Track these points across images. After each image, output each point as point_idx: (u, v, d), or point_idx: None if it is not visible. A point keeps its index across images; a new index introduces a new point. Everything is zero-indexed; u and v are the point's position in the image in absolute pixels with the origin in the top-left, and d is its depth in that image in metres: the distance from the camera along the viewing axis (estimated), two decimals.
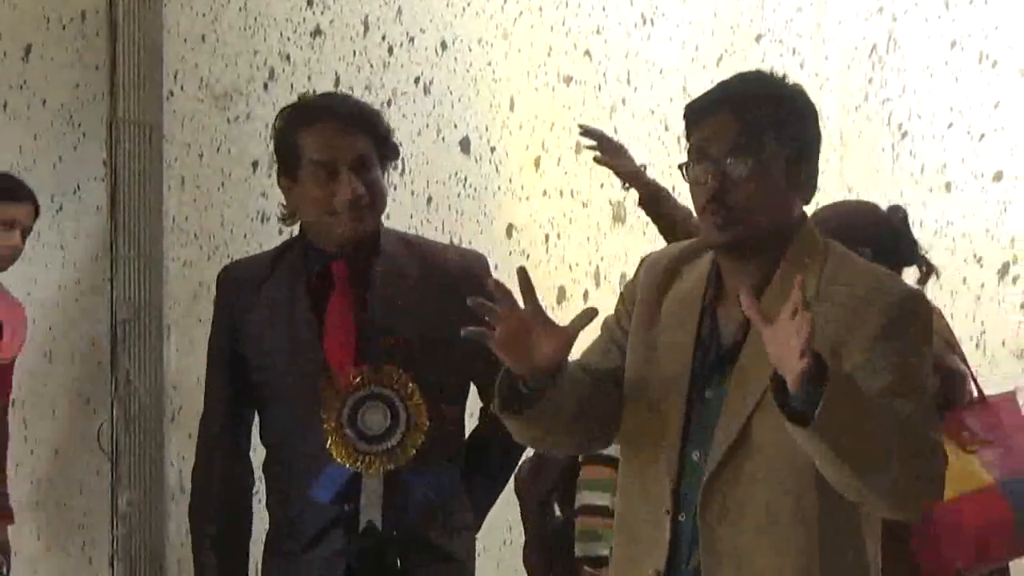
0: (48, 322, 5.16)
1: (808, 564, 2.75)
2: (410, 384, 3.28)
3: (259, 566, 3.44)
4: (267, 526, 3.43)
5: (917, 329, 2.73)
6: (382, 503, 3.32)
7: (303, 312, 3.36)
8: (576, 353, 2.84)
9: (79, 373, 5.15)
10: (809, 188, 2.82)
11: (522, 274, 2.75)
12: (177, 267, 5.03)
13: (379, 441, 3.30)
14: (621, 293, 3.02)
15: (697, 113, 2.80)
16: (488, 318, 2.71)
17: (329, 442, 3.28)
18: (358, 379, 3.28)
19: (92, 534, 4.99)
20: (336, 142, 3.30)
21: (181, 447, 5.02)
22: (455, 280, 3.37)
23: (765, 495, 2.74)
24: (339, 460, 3.29)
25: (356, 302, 3.34)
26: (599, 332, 3.01)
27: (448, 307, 3.25)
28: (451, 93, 5.02)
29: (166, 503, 4.89)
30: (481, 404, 3.48)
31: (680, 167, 2.81)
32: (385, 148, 3.37)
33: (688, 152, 2.79)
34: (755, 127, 2.73)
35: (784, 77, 2.86)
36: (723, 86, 2.83)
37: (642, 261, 3.00)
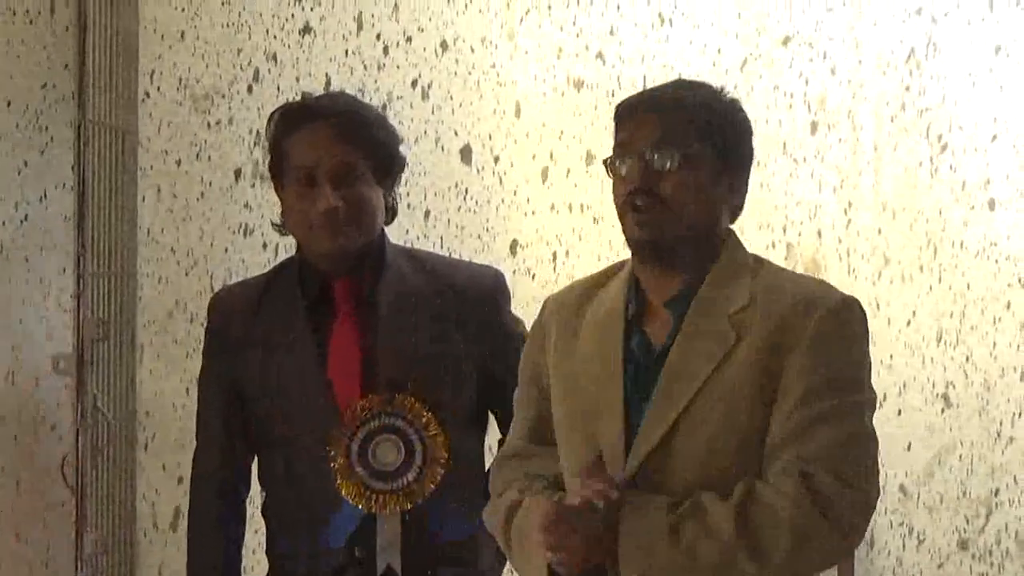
0: (10, 341, 5.12)
1: None
2: (425, 414, 3.23)
3: None
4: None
5: (852, 334, 2.88)
6: (401, 545, 3.26)
7: (304, 340, 3.31)
8: None
9: (43, 397, 5.09)
10: (737, 202, 2.95)
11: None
12: (151, 284, 5.00)
13: (394, 478, 3.25)
14: (527, 340, 3.13)
15: (625, 110, 2.93)
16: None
17: (338, 481, 3.22)
18: (367, 411, 3.22)
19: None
20: (318, 149, 3.26)
21: (154, 480, 4.98)
22: (469, 300, 3.38)
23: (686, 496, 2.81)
24: (350, 501, 3.23)
25: (361, 326, 3.29)
26: (520, 391, 3.12)
27: (461, 330, 3.32)
28: (451, 97, 5.00)
29: (137, 543, 4.83)
30: (500, 436, 3.43)
31: (604, 163, 2.92)
32: (379, 158, 3.29)
33: (613, 149, 2.90)
34: (681, 125, 2.86)
35: (722, 88, 3.01)
36: (655, 88, 3.03)
37: (545, 302, 3.11)
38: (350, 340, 3.31)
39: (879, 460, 2.92)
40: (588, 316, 3.00)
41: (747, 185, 2.96)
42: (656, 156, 2.85)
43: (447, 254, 4.70)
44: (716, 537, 2.77)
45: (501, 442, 3.45)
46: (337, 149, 3.28)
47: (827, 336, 2.83)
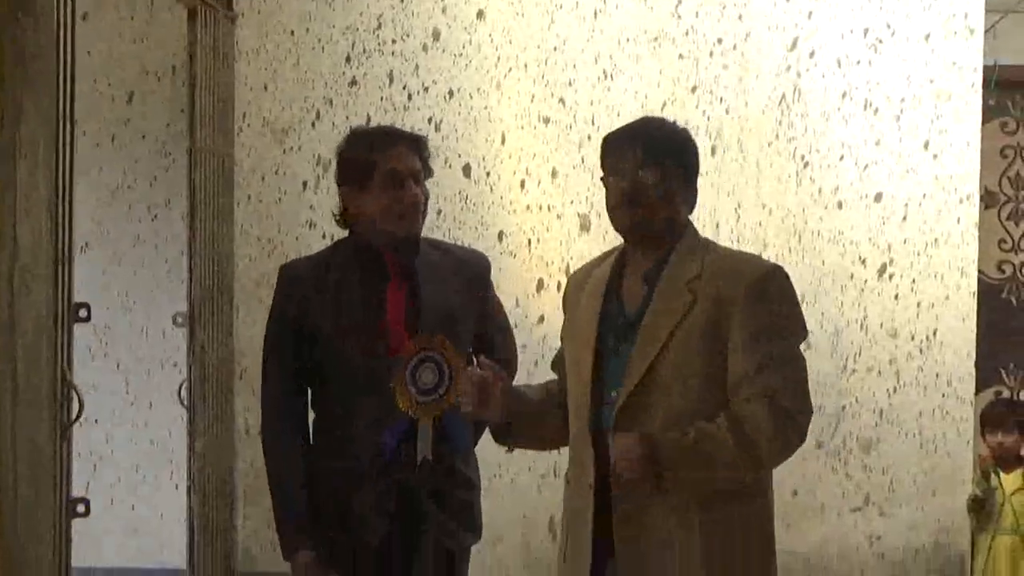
0: (145, 305, 5.15)
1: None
2: (451, 348, 3.20)
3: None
4: None
5: (779, 291, 2.85)
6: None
7: (364, 295, 3.27)
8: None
9: (167, 343, 5.07)
10: (692, 201, 2.95)
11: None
12: (244, 262, 4.97)
13: (431, 392, 3.20)
14: (563, 295, 3.13)
15: (615, 140, 2.93)
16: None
17: (396, 397, 3.20)
18: (415, 349, 3.20)
19: (179, 468, 4.89)
20: (404, 159, 3.28)
21: (247, 399, 4.95)
22: (468, 271, 3.40)
23: (664, 421, 2.78)
24: (403, 409, 3.20)
25: (408, 288, 3.26)
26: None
27: (463, 291, 3.33)
28: (456, 130, 4.96)
29: (234, 445, 4.81)
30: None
31: (602, 179, 2.93)
32: (427, 168, 3.36)
33: (606, 169, 2.91)
34: (658, 150, 2.87)
35: (674, 122, 2.99)
36: (632, 125, 2.98)
37: (568, 280, 3.14)
38: (401, 297, 3.28)
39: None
40: (586, 288, 3.00)
41: (697, 188, 2.96)
42: (642, 173, 2.85)
43: (453, 241, 4.66)
44: (726, 449, 2.74)
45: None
46: (415, 160, 3.30)
47: (760, 294, 2.80)
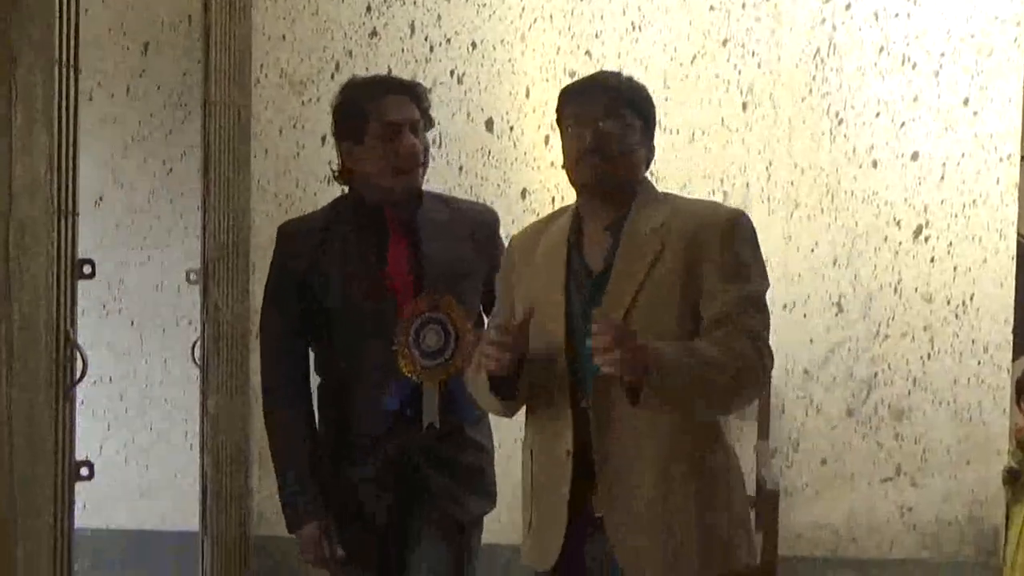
0: (159, 260, 5.10)
1: (678, 433, 2.77)
2: (457, 309, 3.10)
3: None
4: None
5: (750, 235, 2.83)
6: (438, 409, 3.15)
7: (365, 251, 3.16)
8: None
9: (181, 300, 5.00)
10: (651, 156, 2.91)
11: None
12: (261, 218, 4.89)
13: (436, 356, 3.10)
14: (504, 258, 3.04)
15: (576, 91, 2.89)
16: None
17: (399, 360, 3.11)
18: (420, 309, 3.09)
19: (193, 428, 4.83)
20: (400, 109, 3.15)
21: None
22: (475, 226, 3.29)
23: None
24: (406, 373, 3.11)
25: (409, 243, 3.15)
26: (496, 303, 3.06)
27: (470, 248, 3.21)
28: (479, 83, 4.88)
29: (249, 406, 4.73)
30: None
31: (562, 132, 2.88)
32: (428, 118, 3.23)
33: (566, 119, 2.86)
34: (618, 102, 2.83)
35: (631, 77, 2.94)
36: (593, 76, 2.95)
37: (511, 240, 3.05)
38: (402, 252, 3.17)
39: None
40: (540, 247, 2.93)
41: (654, 144, 2.94)
42: (603, 124, 2.82)
43: (475, 198, 4.57)
44: (712, 358, 2.69)
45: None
46: (413, 110, 3.18)
47: (732, 238, 2.79)
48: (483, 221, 3.32)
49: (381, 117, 3.13)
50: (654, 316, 2.74)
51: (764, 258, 2.88)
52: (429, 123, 3.22)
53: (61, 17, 2.97)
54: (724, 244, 2.78)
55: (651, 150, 2.92)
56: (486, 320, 3.22)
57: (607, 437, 2.75)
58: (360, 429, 3.18)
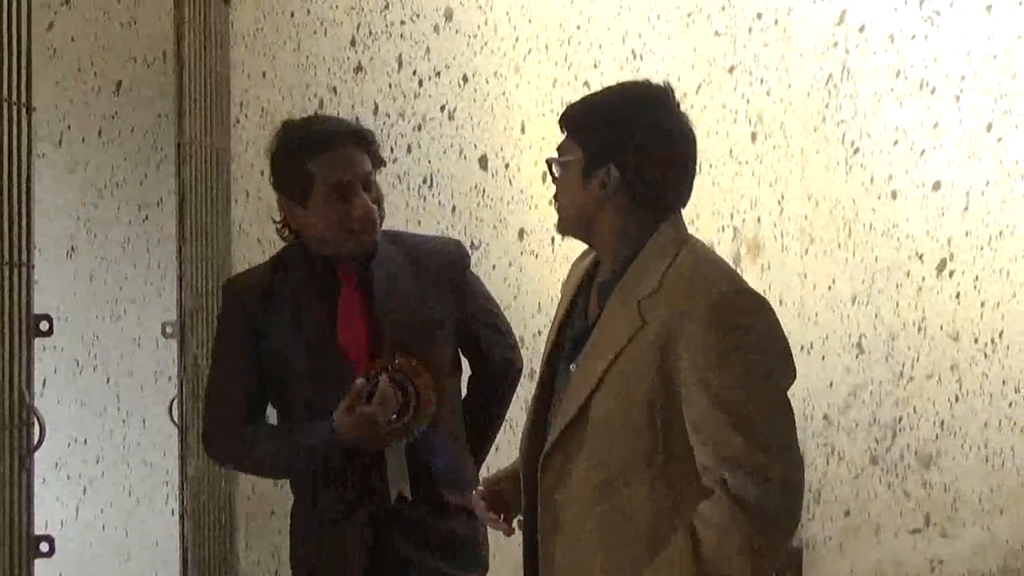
0: (135, 313, 4.92)
1: (623, 535, 2.39)
2: (418, 366, 2.92)
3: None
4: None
5: (733, 324, 2.33)
6: (408, 476, 2.98)
7: (316, 312, 2.95)
8: None
9: (161, 355, 4.85)
10: (641, 197, 2.48)
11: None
12: (243, 265, 4.75)
13: (396, 419, 2.90)
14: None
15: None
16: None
17: None
18: (374, 371, 2.89)
19: (173, 491, 4.66)
20: (350, 165, 2.93)
21: None
22: (438, 268, 3.07)
23: (591, 469, 2.38)
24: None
25: (363, 296, 2.95)
26: None
27: (435, 292, 3.02)
28: (472, 119, 4.83)
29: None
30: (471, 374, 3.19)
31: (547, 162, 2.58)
32: (378, 163, 3.03)
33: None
34: (568, 128, 2.49)
35: (620, 87, 2.62)
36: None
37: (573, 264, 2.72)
38: (356, 311, 2.96)
39: (794, 424, 2.40)
40: (569, 282, 2.66)
41: (651, 181, 2.55)
42: (551, 158, 2.52)
43: (469, 240, 4.51)
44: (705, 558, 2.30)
45: (470, 379, 3.21)
46: (363, 160, 2.97)
47: (710, 326, 2.32)
48: (447, 263, 3.10)
49: (329, 178, 2.91)
50: (620, 401, 2.38)
51: (778, 298, 2.63)
52: (379, 164, 3.01)
53: (11, 53, 2.81)
54: (697, 336, 2.34)
55: (642, 191, 2.48)
56: (464, 362, 3.07)
57: (545, 522, 2.47)
58: (324, 505, 2.98)
